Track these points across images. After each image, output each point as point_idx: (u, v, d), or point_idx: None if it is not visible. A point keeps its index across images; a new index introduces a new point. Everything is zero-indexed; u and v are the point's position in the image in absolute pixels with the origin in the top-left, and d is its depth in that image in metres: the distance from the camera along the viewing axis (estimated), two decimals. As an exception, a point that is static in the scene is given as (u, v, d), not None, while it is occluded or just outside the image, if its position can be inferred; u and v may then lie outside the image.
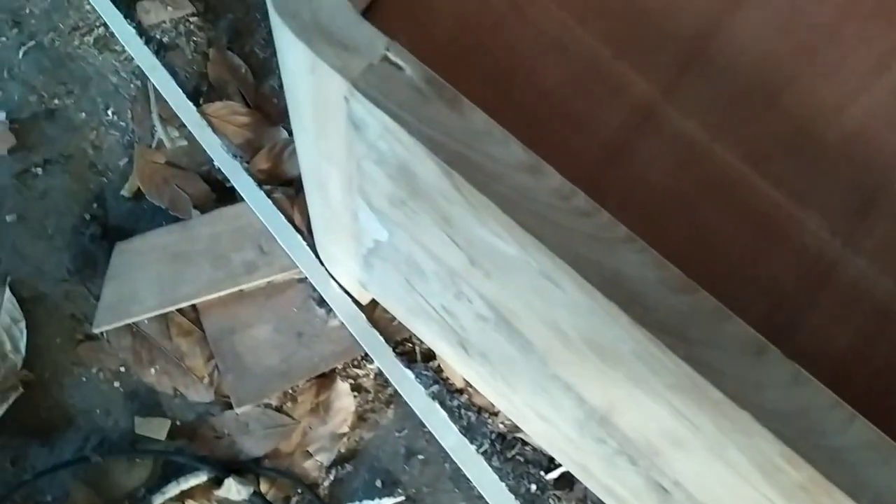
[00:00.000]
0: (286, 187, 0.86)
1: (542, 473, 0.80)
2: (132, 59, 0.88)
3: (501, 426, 0.82)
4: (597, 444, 0.63)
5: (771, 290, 0.53)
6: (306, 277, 0.83)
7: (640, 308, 0.42)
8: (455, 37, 0.59)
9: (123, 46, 0.89)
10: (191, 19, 0.92)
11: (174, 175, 0.86)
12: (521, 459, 0.80)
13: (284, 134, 0.88)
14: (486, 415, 0.81)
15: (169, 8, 0.91)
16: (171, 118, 0.87)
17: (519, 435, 0.80)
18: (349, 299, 0.82)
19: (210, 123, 0.87)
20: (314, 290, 0.83)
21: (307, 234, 0.84)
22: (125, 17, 0.90)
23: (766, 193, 0.56)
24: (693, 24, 0.60)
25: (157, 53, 0.89)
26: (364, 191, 0.57)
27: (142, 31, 0.90)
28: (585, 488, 0.78)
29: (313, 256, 0.83)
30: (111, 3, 0.89)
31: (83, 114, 0.87)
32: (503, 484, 0.79)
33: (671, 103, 0.58)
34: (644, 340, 0.42)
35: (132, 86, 0.88)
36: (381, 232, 0.61)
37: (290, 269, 0.83)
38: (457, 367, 0.78)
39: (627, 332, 0.42)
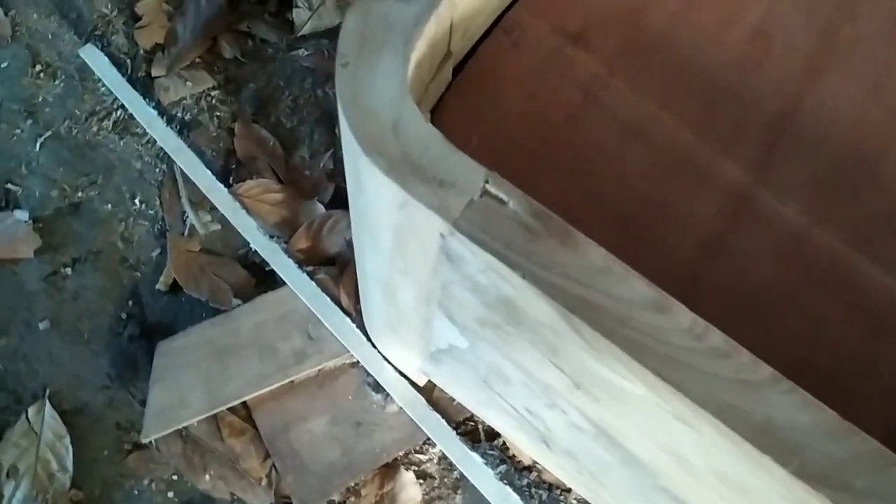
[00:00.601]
0: (329, 266, 0.82)
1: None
2: (155, 141, 0.84)
3: (575, 502, 0.78)
4: None
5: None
6: (358, 362, 0.79)
7: (796, 459, 0.38)
8: (528, 132, 0.55)
9: (144, 129, 0.84)
10: (212, 93, 0.87)
11: (210, 263, 0.81)
12: (599, 536, 0.77)
13: (321, 208, 0.84)
14: (559, 491, 0.78)
15: (188, 83, 0.87)
16: (201, 202, 0.83)
17: (594, 510, 0.77)
18: (406, 382, 0.79)
19: (243, 204, 0.83)
20: (368, 374, 0.79)
21: (356, 316, 0.80)
22: (143, 97, 0.85)
23: (878, 280, 0.53)
24: (775, 97, 0.56)
25: (180, 133, 0.85)
26: (447, 307, 0.53)
27: (162, 110, 0.86)
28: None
29: (365, 339, 0.79)
30: (128, 84, 0.85)
31: (109, 205, 0.82)
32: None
33: (764, 186, 0.54)
34: (803, 493, 0.38)
35: (157, 170, 0.84)
36: (460, 340, 0.57)
37: (341, 354, 0.79)
38: (532, 455, 0.75)
39: (782, 483, 0.39)
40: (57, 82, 0.86)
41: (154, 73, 0.87)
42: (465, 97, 0.54)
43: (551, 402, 0.55)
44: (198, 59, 0.88)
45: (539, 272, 0.40)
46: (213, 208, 0.83)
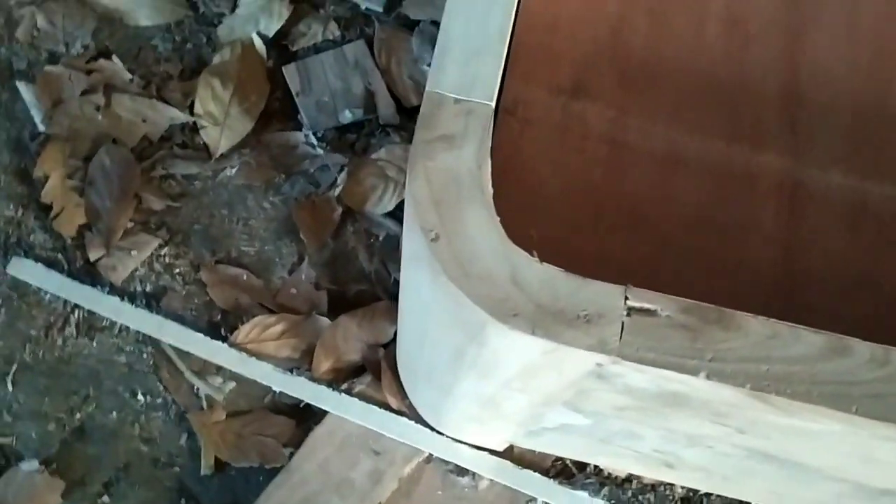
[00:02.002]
0: (361, 375, 0.78)
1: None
2: (128, 327, 0.77)
3: (681, 490, 0.79)
4: (868, 502, 0.61)
5: None
6: (431, 455, 0.77)
7: None
8: (576, 203, 0.53)
9: (111, 319, 0.77)
10: (161, 252, 0.80)
11: (245, 425, 0.76)
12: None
13: (324, 321, 0.80)
14: (663, 487, 0.79)
15: (133, 253, 0.80)
16: (205, 367, 0.77)
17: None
18: (487, 454, 0.77)
19: (248, 352, 0.78)
20: (447, 462, 0.77)
21: (410, 412, 0.77)
22: (93, 286, 0.78)
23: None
24: (773, 76, 0.57)
25: (150, 308, 0.78)
26: (574, 405, 0.51)
27: (119, 292, 0.78)
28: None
29: (429, 431, 0.77)
30: (71, 281, 0.77)
31: (113, 413, 0.75)
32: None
33: (806, 164, 0.55)
34: None
35: (145, 356, 0.77)
36: (579, 420, 0.56)
37: (414, 455, 0.76)
38: (646, 474, 0.75)
39: None
40: (-5, 312, 0.78)
41: (92, 257, 0.79)
42: (503, 195, 0.52)
43: (694, 444, 0.55)
44: (130, 224, 0.81)
45: (717, 367, 0.39)
46: (219, 369, 0.78)
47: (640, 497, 0.79)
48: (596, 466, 0.79)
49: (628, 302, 0.40)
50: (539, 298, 0.40)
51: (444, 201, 0.41)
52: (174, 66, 0.88)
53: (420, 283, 0.46)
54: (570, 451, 0.70)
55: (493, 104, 0.43)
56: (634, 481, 0.79)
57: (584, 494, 0.77)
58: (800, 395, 0.39)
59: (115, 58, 0.87)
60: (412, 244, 0.44)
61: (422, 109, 0.42)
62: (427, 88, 0.42)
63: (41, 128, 0.83)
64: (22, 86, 0.86)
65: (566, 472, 0.79)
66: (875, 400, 0.39)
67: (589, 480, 0.78)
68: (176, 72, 0.88)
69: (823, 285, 0.52)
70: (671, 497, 0.79)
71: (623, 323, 0.39)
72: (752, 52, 0.57)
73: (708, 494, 0.79)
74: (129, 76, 0.86)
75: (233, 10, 0.90)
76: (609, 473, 0.79)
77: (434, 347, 0.53)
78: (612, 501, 0.78)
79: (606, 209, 0.52)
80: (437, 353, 0.54)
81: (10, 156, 0.84)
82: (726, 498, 0.79)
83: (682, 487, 0.79)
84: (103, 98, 0.84)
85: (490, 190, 0.41)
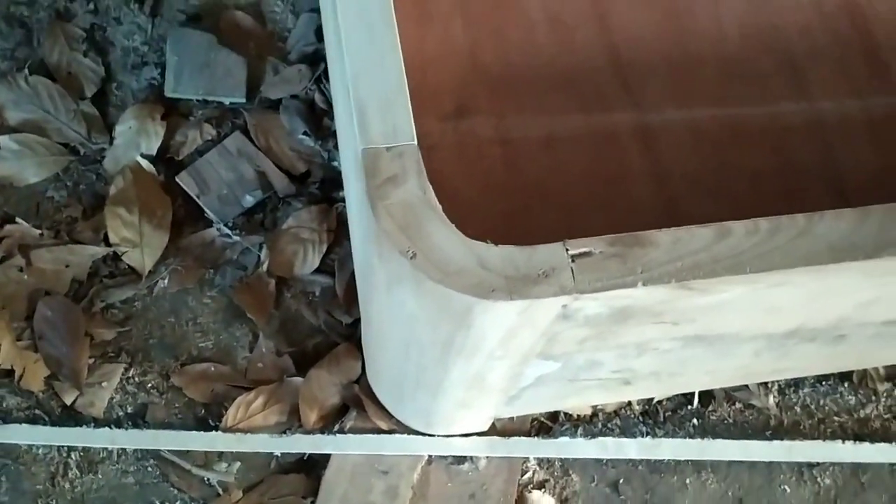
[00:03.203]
0: (347, 413, 0.87)
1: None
2: (125, 450, 0.82)
3: (637, 406, 0.93)
4: (779, 350, 0.75)
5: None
6: (430, 456, 0.86)
7: (860, 252, 0.54)
8: (491, 196, 0.65)
9: (107, 448, 0.82)
10: (129, 374, 0.86)
11: (262, 494, 0.83)
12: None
13: (296, 380, 0.87)
14: (624, 410, 0.92)
15: (104, 384, 0.85)
16: (207, 459, 0.84)
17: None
18: (476, 437, 0.87)
19: (241, 431, 0.85)
20: (445, 457, 0.87)
21: (400, 426, 0.86)
22: (78, 426, 0.82)
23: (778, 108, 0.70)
24: (597, 51, 0.71)
25: (137, 426, 0.84)
26: (546, 353, 0.63)
27: (104, 422, 0.83)
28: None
29: (422, 437, 0.86)
30: (57, 429, 0.82)
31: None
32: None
33: (646, 110, 0.69)
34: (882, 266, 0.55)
35: (150, 468, 0.82)
36: (551, 367, 0.68)
37: (416, 462, 0.86)
38: (606, 400, 0.88)
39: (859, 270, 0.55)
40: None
41: (68, 401, 0.84)
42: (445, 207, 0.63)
43: (642, 351, 0.68)
44: (91, 360, 0.86)
45: (647, 276, 0.52)
46: (221, 455, 0.84)
47: (608, 424, 0.91)
48: (565, 414, 0.91)
49: (569, 252, 0.52)
50: (505, 272, 0.51)
51: (409, 226, 0.51)
52: (75, 209, 0.94)
53: (404, 299, 0.56)
54: (544, 403, 0.82)
55: (416, 142, 0.54)
56: (600, 413, 0.92)
57: (565, 439, 0.89)
58: (708, 274, 0.52)
59: (18, 220, 0.92)
60: (391, 269, 0.54)
61: (363, 163, 0.53)
62: (361, 147, 0.53)
63: (-29, 303, 0.88)
64: (-60, 273, 0.89)
65: (544, 427, 0.91)
66: (759, 258, 0.53)
67: (564, 427, 0.91)
68: (79, 213, 0.94)
69: (690, 196, 0.66)
70: (632, 416, 0.92)
71: (572, 268, 0.51)
72: (576, 39, 0.71)
73: (659, 402, 0.93)
74: (38, 232, 0.91)
75: (111, 142, 0.97)
76: (577, 415, 0.91)
77: (421, 351, 0.63)
78: (588, 436, 0.90)
79: (518, 193, 0.64)
80: (424, 356, 0.64)
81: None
82: (673, 399, 0.93)
83: (639, 404, 0.92)
84: (22, 259, 0.89)
85: (439, 207, 0.52)
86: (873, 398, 0.95)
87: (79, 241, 0.91)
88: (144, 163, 0.95)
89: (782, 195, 0.68)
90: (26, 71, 0.97)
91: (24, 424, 0.82)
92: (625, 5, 0.72)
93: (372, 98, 0.54)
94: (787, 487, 0.91)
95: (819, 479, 0.91)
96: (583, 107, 0.68)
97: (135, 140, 0.96)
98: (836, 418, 0.94)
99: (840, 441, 0.92)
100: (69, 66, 0.98)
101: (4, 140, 0.94)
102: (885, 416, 0.94)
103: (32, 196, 0.94)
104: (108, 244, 0.92)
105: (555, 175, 0.65)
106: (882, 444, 0.92)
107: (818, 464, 0.91)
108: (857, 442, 0.92)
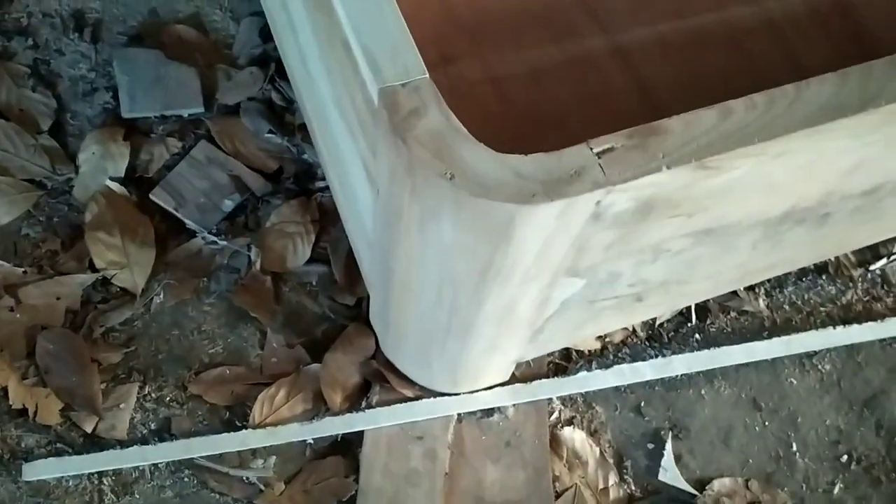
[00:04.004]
0: (371, 389, 0.87)
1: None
2: (156, 465, 0.81)
3: (642, 333, 0.96)
4: (773, 239, 0.79)
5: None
6: (460, 414, 0.88)
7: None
8: (493, 126, 0.67)
9: (139, 467, 0.81)
10: (145, 392, 0.85)
11: (304, 482, 0.83)
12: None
13: (313, 367, 0.88)
14: (631, 339, 0.95)
15: (122, 405, 0.83)
16: (242, 459, 0.83)
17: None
18: (500, 390, 0.89)
19: (270, 425, 0.84)
20: (474, 413, 0.88)
21: (425, 390, 0.87)
22: (103, 449, 0.81)
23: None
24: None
25: (163, 440, 0.82)
26: (574, 268, 0.65)
27: (132, 440, 0.82)
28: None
29: (449, 398, 0.87)
30: (83, 456, 0.80)
31: (191, 539, 0.79)
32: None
33: (614, 31, 0.73)
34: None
35: (186, 478, 0.81)
36: (577, 285, 0.70)
37: (448, 423, 0.87)
38: (617, 326, 0.91)
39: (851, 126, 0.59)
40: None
41: (89, 428, 0.82)
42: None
43: (657, 256, 0.71)
44: (103, 385, 0.84)
45: (668, 160, 0.55)
46: (255, 452, 0.84)
47: (619, 354, 0.95)
48: (577, 352, 0.94)
49: (594, 150, 0.54)
50: (540, 177, 0.53)
51: (441, 150, 0.53)
52: (53, 242, 0.92)
53: (441, 231, 0.58)
54: (563, 335, 0.84)
55: (427, 75, 0.56)
56: (609, 346, 0.95)
57: (583, 374, 0.92)
58: (721, 149, 0.56)
59: (-2, 261, 0.89)
60: (427, 201, 0.56)
61: (383, 102, 0.54)
62: (378, 86, 0.55)
63: (-32, 350, 0.85)
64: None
65: (560, 368, 0.93)
66: (762, 129, 0.57)
67: (579, 364, 0.93)
68: (57, 246, 0.92)
69: (672, 101, 0.70)
70: (639, 343, 0.96)
71: (600, 164, 0.54)
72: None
73: (661, 325, 0.97)
74: (21, 269, 0.89)
75: (76, 171, 0.95)
76: (588, 351, 0.94)
77: (456, 288, 0.65)
78: (604, 367, 0.93)
79: (517, 123, 0.67)
80: (459, 293, 0.66)
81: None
82: (673, 320, 0.97)
83: (643, 330, 0.96)
84: (11, 299, 0.87)
85: (464, 129, 0.54)
86: (851, 284, 1.01)
87: (64, 272, 0.90)
88: (115, 185, 0.94)
89: (753, 89, 0.73)
90: (-23, 115, 0.95)
91: (51, 458, 0.79)
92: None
93: (378, 44, 0.56)
94: (793, 380, 0.96)
95: (820, 367, 0.97)
96: (557, 38, 0.71)
97: (101, 165, 0.95)
98: (822, 309, 1.00)
99: (831, 327, 0.98)
100: (20, 103, 0.96)
101: (-32, 186, 0.92)
102: (865, 299, 1.01)
103: (7, 236, 0.91)
104: (94, 270, 0.90)
105: (546, 102, 0.68)
106: (869, 324, 0.98)
107: (816, 353, 0.97)
108: (846, 325, 0.98)
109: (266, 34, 1.05)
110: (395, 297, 0.75)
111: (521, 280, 0.63)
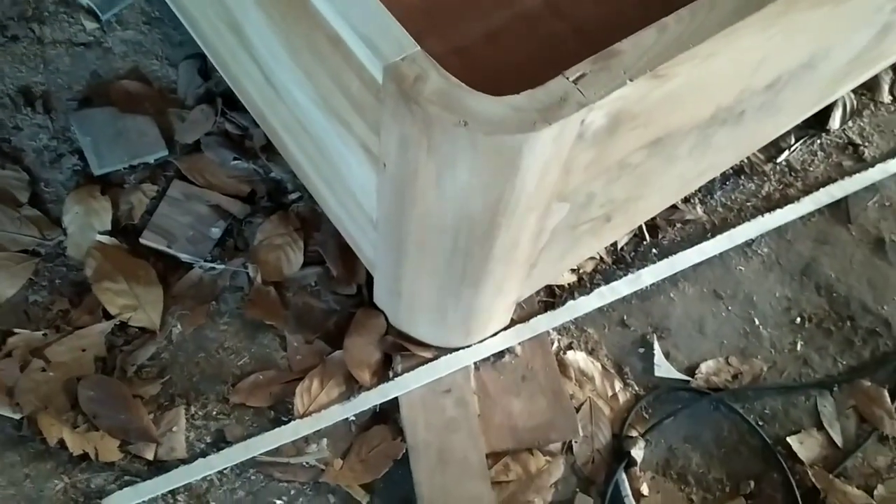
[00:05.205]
0: (394, 360, 0.96)
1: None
2: (222, 471, 0.86)
3: (609, 260, 1.09)
4: (704, 143, 0.92)
5: None
6: (475, 363, 0.97)
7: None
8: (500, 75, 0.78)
9: (205, 477, 0.86)
10: (191, 412, 0.90)
11: (358, 452, 0.90)
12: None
13: (337, 354, 0.95)
14: (600, 265, 1.07)
15: (174, 429, 0.88)
16: (298, 447, 0.89)
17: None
18: (505, 334, 0.99)
19: (315, 411, 0.91)
20: (488, 358, 0.98)
21: (442, 351, 0.96)
22: (169, 471, 0.86)
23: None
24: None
25: (221, 449, 0.88)
26: (562, 192, 0.76)
27: (191, 459, 0.87)
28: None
29: (463, 351, 0.97)
30: (153, 480, 0.84)
31: (273, 527, 0.85)
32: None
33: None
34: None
35: (253, 476, 0.87)
36: (563, 210, 0.81)
37: (468, 373, 0.96)
38: (593, 251, 1.02)
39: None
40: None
41: (150, 456, 0.87)
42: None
43: (622, 170, 0.83)
44: (150, 415, 0.89)
45: (631, 72, 0.67)
46: (307, 439, 0.90)
47: (594, 280, 1.07)
48: (558, 286, 1.05)
49: (569, 78, 0.66)
50: (535, 107, 0.64)
51: (450, 104, 0.63)
52: (61, 303, 0.96)
53: (457, 175, 0.68)
54: (551, 268, 0.95)
55: (419, 48, 0.66)
56: (584, 276, 1.07)
57: (570, 302, 1.03)
58: (666, 57, 0.68)
59: (15, 330, 0.92)
60: (443, 150, 0.66)
61: (391, 76, 0.64)
62: (384, 63, 0.64)
63: (15, 416, 0.88)
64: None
65: (548, 304, 1.04)
66: (693, 35, 0.69)
67: (563, 297, 1.05)
68: (67, 305, 0.96)
69: (602, 31, 0.82)
70: (607, 268, 1.08)
71: (578, 88, 0.65)
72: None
73: (622, 248, 1.09)
74: (40, 333, 0.93)
75: (65, 233, 0.99)
76: (567, 284, 1.06)
77: (470, 229, 0.75)
78: (586, 293, 1.05)
79: (489, 81, 0.77)
80: (473, 233, 0.76)
81: (12, 454, 0.87)
82: (630, 242, 1.10)
83: (608, 256, 1.08)
84: (40, 361, 0.91)
85: (464, 85, 0.64)
86: (766, 178, 1.17)
87: (80, 326, 0.94)
88: (105, 238, 0.99)
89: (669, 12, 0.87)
90: (-49, 204, 0.98)
91: (126, 489, 0.84)
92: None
93: (370, 29, 0.66)
94: (741, 267, 1.10)
95: (759, 251, 1.12)
96: (501, 4, 0.83)
97: (86, 222, 1.00)
98: (748, 203, 1.15)
99: (760, 216, 1.13)
100: (-7, 182, 1.00)
101: (-36, 270, 0.95)
102: (779, 187, 1.16)
103: (17, 307, 0.95)
104: (108, 317, 0.95)
105: (509, 55, 0.80)
106: (788, 206, 1.14)
107: (753, 240, 1.12)
108: (771, 212, 1.13)
109: (205, 72, 1.12)
110: (410, 263, 0.84)
111: (524, 211, 0.74)
